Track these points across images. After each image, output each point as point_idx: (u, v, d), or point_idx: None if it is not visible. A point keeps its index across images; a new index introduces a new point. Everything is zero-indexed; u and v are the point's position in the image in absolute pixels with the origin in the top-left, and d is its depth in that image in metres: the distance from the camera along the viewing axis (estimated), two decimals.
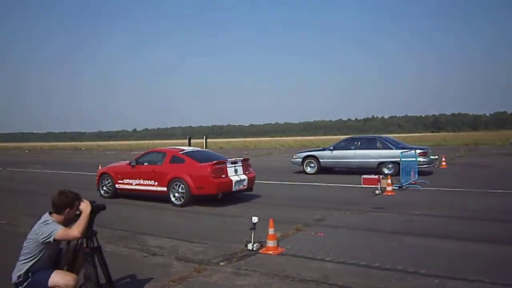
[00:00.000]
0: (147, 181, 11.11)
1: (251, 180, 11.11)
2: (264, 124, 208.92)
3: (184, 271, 5.20)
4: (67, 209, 3.78)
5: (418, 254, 5.78)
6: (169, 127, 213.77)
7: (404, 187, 12.04)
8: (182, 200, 10.36)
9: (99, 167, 13.78)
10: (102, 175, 12.29)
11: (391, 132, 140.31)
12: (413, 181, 12.71)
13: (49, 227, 3.64)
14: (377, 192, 11.39)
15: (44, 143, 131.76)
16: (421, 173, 14.49)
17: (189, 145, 16.74)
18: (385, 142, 16.11)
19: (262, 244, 6.12)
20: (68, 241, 3.87)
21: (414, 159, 13.42)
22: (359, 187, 12.70)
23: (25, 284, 3.68)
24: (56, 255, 3.95)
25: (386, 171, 15.17)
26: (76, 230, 3.64)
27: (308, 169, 17.43)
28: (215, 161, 10.44)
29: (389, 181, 11.59)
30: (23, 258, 3.70)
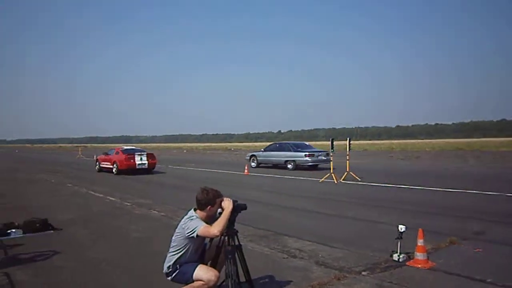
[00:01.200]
0: (108, 163, 22.11)
1: (151, 164, 21.59)
2: (411, 126, 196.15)
3: (324, 277, 4.99)
4: (209, 206, 3.90)
5: None
6: (312, 128, 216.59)
7: None
8: (116, 172, 20.92)
9: (94, 156, 26.39)
10: (97, 160, 23.81)
11: None
12: None
13: (193, 223, 3.81)
14: None
15: (199, 144, 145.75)
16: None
17: (332, 147, 17.02)
18: (289, 146, 22.88)
19: (410, 256, 5.58)
20: (210, 238, 4.00)
21: None
22: None
23: (173, 274, 3.93)
24: (201, 250, 4.12)
25: (289, 167, 21.90)
26: (216, 228, 3.72)
27: (253, 164, 24.47)
28: (128, 154, 21.13)
29: None
30: (172, 250, 3.95)
